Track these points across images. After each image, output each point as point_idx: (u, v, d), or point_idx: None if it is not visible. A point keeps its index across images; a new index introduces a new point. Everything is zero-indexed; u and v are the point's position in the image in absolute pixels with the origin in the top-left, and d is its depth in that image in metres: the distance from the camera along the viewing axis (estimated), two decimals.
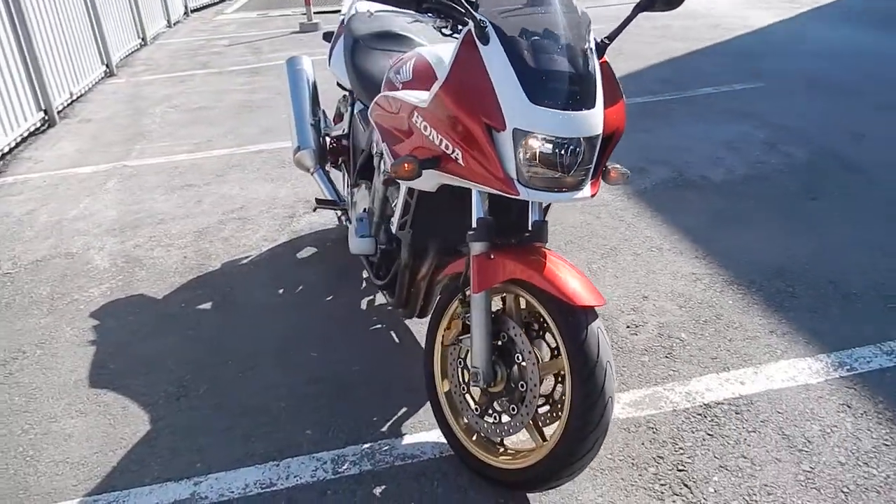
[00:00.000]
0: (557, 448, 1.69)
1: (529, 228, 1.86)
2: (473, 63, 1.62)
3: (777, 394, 2.19)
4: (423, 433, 2.15)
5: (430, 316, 2.07)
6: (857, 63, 6.19)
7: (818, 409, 2.11)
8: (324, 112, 3.09)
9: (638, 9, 1.72)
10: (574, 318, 1.66)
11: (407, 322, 2.74)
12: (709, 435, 2.05)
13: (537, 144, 1.57)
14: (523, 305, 1.87)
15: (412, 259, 2.14)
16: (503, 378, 1.83)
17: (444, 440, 2.07)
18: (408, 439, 2.13)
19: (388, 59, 2.70)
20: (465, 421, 1.99)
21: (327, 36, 3.09)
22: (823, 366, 2.30)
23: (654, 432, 2.08)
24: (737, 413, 2.13)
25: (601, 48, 1.69)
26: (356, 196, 2.58)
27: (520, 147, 1.58)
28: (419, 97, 1.83)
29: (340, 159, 3.11)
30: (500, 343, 1.83)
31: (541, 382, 1.79)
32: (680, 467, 1.94)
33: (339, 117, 3.06)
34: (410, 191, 2.00)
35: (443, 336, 1.97)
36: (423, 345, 2.60)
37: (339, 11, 3.28)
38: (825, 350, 2.38)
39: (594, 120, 1.60)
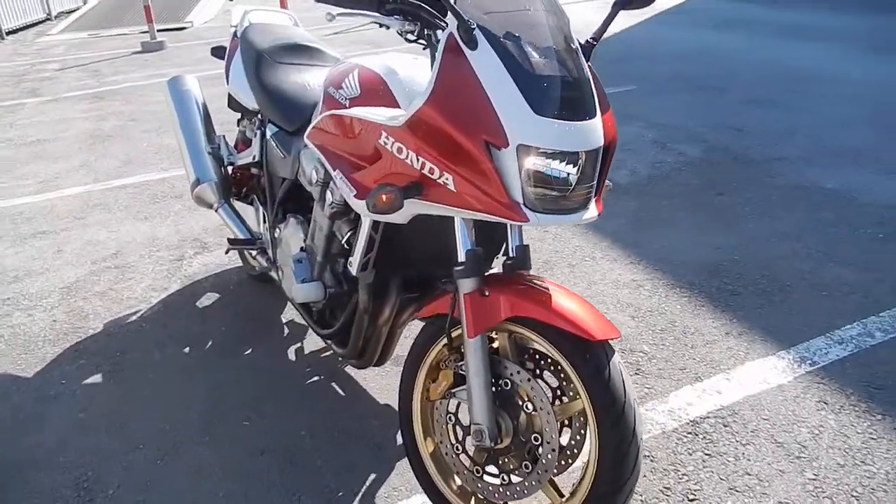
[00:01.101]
0: (588, 499, 1.48)
1: (511, 254, 1.66)
2: (462, 72, 1.37)
3: (756, 399, 2.14)
4: (404, 502, 1.86)
5: (404, 363, 1.79)
6: (715, 62, 6.63)
7: (799, 411, 2.08)
8: (223, 138, 2.68)
9: (617, 6, 1.56)
10: (594, 356, 1.46)
11: (348, 369, 2.42)
12: (706, 455, 1.94)
13: (543, 162, 1.36)
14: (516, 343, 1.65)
15: (372, 302, 1.85)
16: (508, 432, 1.59)
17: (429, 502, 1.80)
18: None
19: (301, 75, 2.38)
20: (459, 483, 1.73)
21: (217, 51, 2.70)
22: (787, 363, 2.29)
23: (651, 460, 1.93)
24: (725, 426, 2.04)
25: (587, 49, 1.52)
26: (282, 233, 2.23)
27: (524, 165, 1.36)
28: (387, 115, 1.55)
29: (246, 190, 2.72)
30: (496, 390, 1.59)
31: (560, 432, 1.58)
32: (691, 496, 1.81)
33: (244, 143, 2.68)
34: (376, 224, 1.71)
35: (427, 390, 1.70)
36: (373, 393, 2.30)
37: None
38: (783, 346, 2.38)
39: (598, 130, 1.42)
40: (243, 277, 3.08)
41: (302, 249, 2.08)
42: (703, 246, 3.11)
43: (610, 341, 1.49)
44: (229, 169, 2.64)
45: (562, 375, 1.61)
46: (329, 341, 2.12)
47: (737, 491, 1.81)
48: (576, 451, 1.62)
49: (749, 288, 2.76)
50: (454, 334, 1.65)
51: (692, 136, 4.57)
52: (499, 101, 1.35)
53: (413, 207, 1.53)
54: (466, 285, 1.54)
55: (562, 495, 1.58)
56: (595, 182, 1.45)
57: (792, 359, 2.31)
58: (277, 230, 2.27)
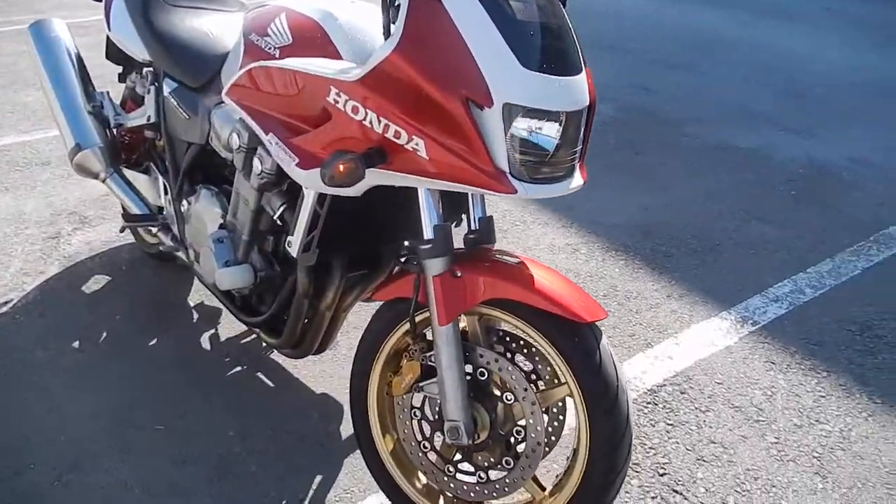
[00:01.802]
0: (577, 497, 1.35)
1: (473, 226, 1.47)
2: (436, 16, 1.15)
3: (707, 363, 2.11)
4: None
5: (355, 353, 1.57)
6: (632, 24, 6.63)
7: (750, 372, 2.07)
8: (106, 95, 2.26)
9: None
10: (582, 340, 1.32)
11: (276, 355, 2.16)
12: (669, 425, 1.88)
13: (532, 124, 1.18)
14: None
15: (314, 285, 1.60)
16: (485, 425, 1.43)
17: None
18: None
19: (200, 20, 2.03)
20: (425, 482, 1.55)
21: None
22: (730, 324, 2.28)
23: None
24: (682, 393, 1.99)
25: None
26: (192, 208, 1.91)
27: (511, 128, 1.17)
28: (336, 67, 1.30)
29: (139, 157, 2.34)
30: (468, 380, 1.42)
31: (545, 422, 1.43)
32: (660, 470, 1.74)
33: (133, 101, 2.28)
34: (321, 198, 1.46)
35: (388, 384, 1.50)
36: (307, 381, 2.06)
37: None
38: (724, 307, 2.37)
39: (584, 87, 1.25)
40: (137, 256, 2.70)
41: (221, 227, 1.78)
42: (631, 207, 3.06)
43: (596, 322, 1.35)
44: (116, 132, 2.25)
45: (537, 358, 1.46)
46: (258, 330, 1.85)
47: (704, 461, 1.76)
48: (553, 438, 1.49)
49: (681, 249, 2.74)
50: (419, 319, 1.45)
51: (604, 95, 4.53)
52: (481, 53, 1.14)
53: (373, 178, 1.30)
54: (435, 266, 1.34)
55: (543, 489, 1.45)
56: (580, 146, 1.29)
57: (734, 319, 2.31)
58: (185, 204, 1.95)
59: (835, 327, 2.25)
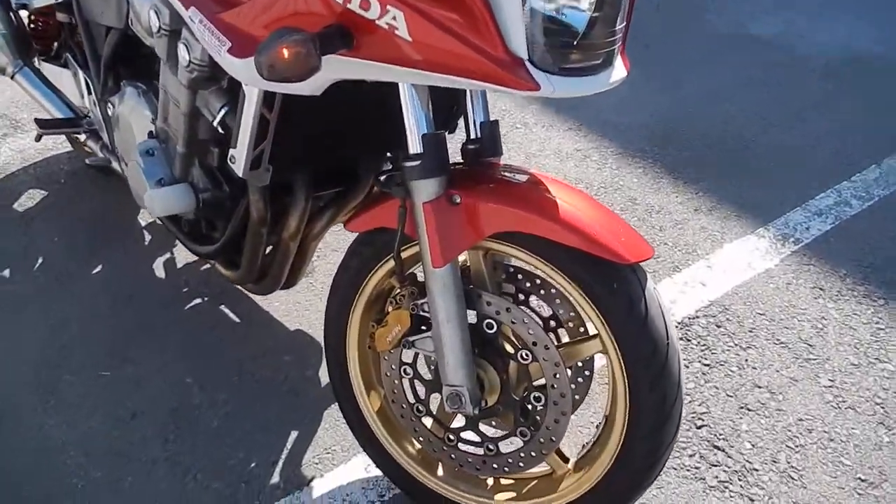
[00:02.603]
0: (611, 476, 1.08)
1: (474, 135, 1.12)
2: None
3: (746, 290, 1.81)
4: (341, 469, 1.39)
5: (329, 293, 1.25)
6: None
7: (795, 301, 1.77)
8: None
9: None
10: (624, 285, 1.00)
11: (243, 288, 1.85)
12: (706, 366, 1.60)
13: None
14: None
15: (271, 210, 1.26)
16: (494, 388, 1.13)
17: (376, 472, 1.35)
18: (321, 485, 1.36)
19: None
20: (418, 447, 1.28)
21: None
22: (769, 243, 1.97)
23: None
24: (718, 326, 1.71)
25: None
26: (117, 109, 1.52)
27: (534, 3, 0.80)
28: None
29: (57, 47, 1.91)
30: (473, 333, 1.11)
31: (583, 383, 1.15)
32: (698, 422, 1.48)
33: None
34: (269, 99, 1.08)
35: (371, 336, 1.18)
36: (277, 316, 1.76)
37: None
38: (760, 223, 2.05)
39: None
40: (78, 167, 2.31)
41: (151, 135, 1.40)
42: (645, 105, 2.67)
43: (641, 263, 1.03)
44: (24, 16, 1.81)
45: (558, 300, 1.15)
46: (213, 261, 1.52)
47: (749, 410, 1.50)
48: (577, 398, 1.20)
49: (708, 154, 2.38)
50: (406, 256, 1.12)
51: None
52: None
53: (334, 70, 0.93)
54: (425, 190, 1.00)
55: (566, 460, 1.18)
56: (622, 24, 0.91)
57: (773, 237, 2.00)
58: (111, 104, 1.55)
59: (889, 245, 1.95)
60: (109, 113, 1.57)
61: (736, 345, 1.66)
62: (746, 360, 1.61)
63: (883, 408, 1.50)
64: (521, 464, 1.13)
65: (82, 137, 1.78)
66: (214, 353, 1.65)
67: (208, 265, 1.91)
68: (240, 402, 1.53)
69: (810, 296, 1.79)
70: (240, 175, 1.14)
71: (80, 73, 1.71)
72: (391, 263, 1.13)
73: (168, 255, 1.96)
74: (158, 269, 1.92)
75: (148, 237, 2.03)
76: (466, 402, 1.08)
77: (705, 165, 2.32)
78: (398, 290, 1.14)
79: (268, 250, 1.39)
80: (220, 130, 1.22)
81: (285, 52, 0.85)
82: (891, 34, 3.17)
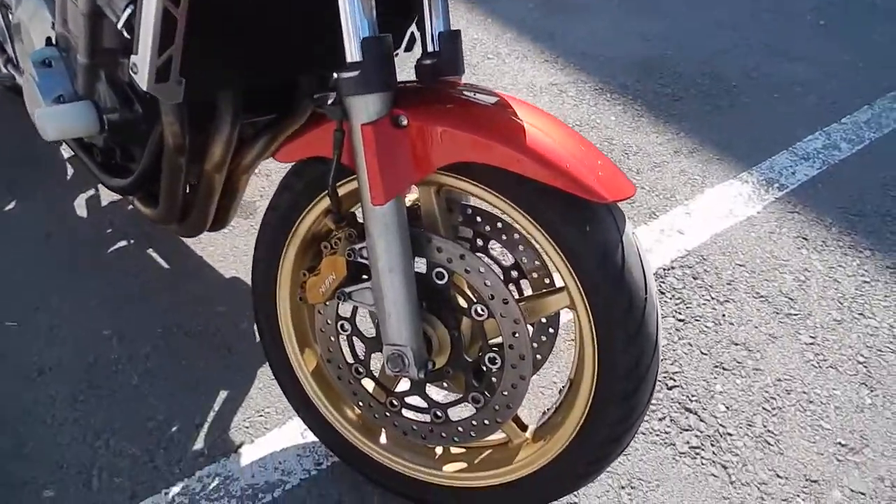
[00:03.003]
0: (575, 447, 0.95)
1: (431, 47, 0.94)
2: None
3: (725, 239, 1.68)
4: (273, 434, 1.24)
5: (257, 234, 1.08)
6: None
7: (777, 251, 1.65)
8: None
9: None
10: (598, 228, 0.84)
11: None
12: (680, 321, 1.48)
13: None
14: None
15: (188, 135, 1.06)
16: (443, 347, 0.98)
17: (313, 438, 1.21)
18: (251, 451, 1.21)
19: None
20: (358, 412, 1.13)
21: None
22: (752, 188, 1.83)
23: None
24: (695, 278, 1.57)
25: None
26: (16, 11, 1.28)
27: None
28: None
29: None
30: (420, 283, 0.95)
31: (546, 342, 1.00)
32: (669, 382, 1.35)
33: None
34: None
35: (303, 285, 1.01)
36: (211, 261, 1.58)
37: None
38: (744, 166, 1.91)
39: None
40: None
41: (50, 42, 1.18)
42: (628, 36, 2.48)
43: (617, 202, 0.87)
44: None
45: (521, 246, 0.99)
46: (130, 197, 1.33)
47: (724, 369, 1.38)
48: (538, 357, 1.06)
49: (691, 91, 2.22)
50: (343, 192, 0.95)
51: None
52: None
53: None
54: (366, 108, 0.82)
55: (524, 428, 1.04)
56: None
57: (757, 182, 1.85)
58: (9, 7, 1.32)
59: (878, 193, 1.82)
60: (11, 17, 1.34)
61: (713, 298, 1.53)
62: (723, 315, 1.49)
63: (866, 367, 1.39)
64: (473, 433, 0.99)
65: None
66: (138, 302, 1.47)
67: (152, 220, 1.71)
68: (163, 358, 1.36)
69: (793, 246, 1.66)
70: (143, 88, 0.94)
71: None
72: (327, 201, 0.96)
73: (91, 192, 1.75)
74: (80, 208, 1.71)
75: (70, 171, 1.82)
76: (411, 365, 0.93)
77: (688, 104, 2.15)
78: (334, 233, 0.97)
79: (189, 186, 1.21)
80: (126, 35, 1.01)
81: None
82: None
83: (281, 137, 1.17)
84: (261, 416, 1.27)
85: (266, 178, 1.81)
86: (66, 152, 1.87)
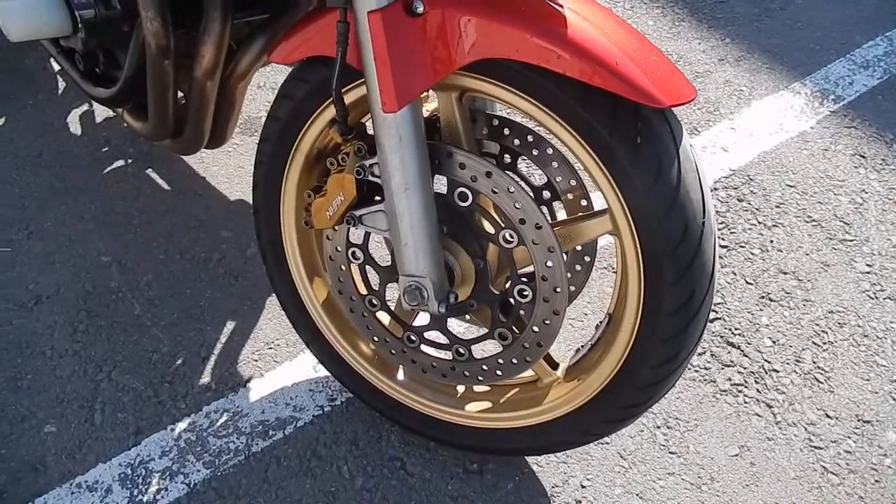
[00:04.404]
0: (612, 390, 0.85)
1: None
2: None
3: (775, 157, 1.52)
4: (284, 368, 1.16)
5: (257, 150, 0.96)
6: None
7: (832, 170, 1.50)
8: None
9: None
10: (653, 139, 0.71)
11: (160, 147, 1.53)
12: (723, 247, 1.35)
13: None
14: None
15: (172, 36, 0.93)
16: (467, 279, 0.87)
17: (326, 372, 1.13)
18: (260, 386, 1.14)
19: None
20: (372, 347, 1.04)
21: None
22: (805, 100, 1.66)
23: None
24: (740, 201, 1.44)
25: None
26: None
27: None
28: None
29: None
30: (439, 206, 0.83)
31: (581, 271, 0.89)
32: (711, 314, 1.25)
33: None
34: None
35: (308, 210, 0.90)
36: (215, 182, 1.47)
37: None
38: (796, 76, 1.73)
39: None
40: None
41: None
42: None
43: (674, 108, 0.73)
44: None
45: (555, 164, 0.87)
46: (118, 110, 1.20)
47: (771, 300, 1.27)
48: (572, 288, 0.95)
49: None
50: (350, 98, 0.82)
51: None
52: None
53: None
54: None
55: (556, 366, 0.94)
56: None
57: (810, 93, 1.68)
58: None
59: None
60: None
61: (760, 223, 1.40)
62: (771, 241, 1.36)
63: None
64: (500, 372, 0.89)
65: None
66: (138, 227, 1.37)
67: (143, 137, 1.59)
68: (166, 285, 1.28)
69: (850, 164, 1.51)
70: None
71: None
72: (332, 110, 0.83)
73: (85, 108, 1.63)
74: (74, 125, 1.59)
75: (62, 85, 1.69)
76: (430, 298, 0.82)
77: (734, 6, 1.94)
78: (342, 148, 0.85)
79: (181, 97, 1.08)
80: None
81: None
82: None
83: (276, 42, 1.03)
84: (270, 348, 1.19)
85: (272, 92, 1.67)
86: (56, 64, 1.73)
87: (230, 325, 1.22)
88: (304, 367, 1.16)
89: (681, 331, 0.78)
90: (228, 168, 1.49)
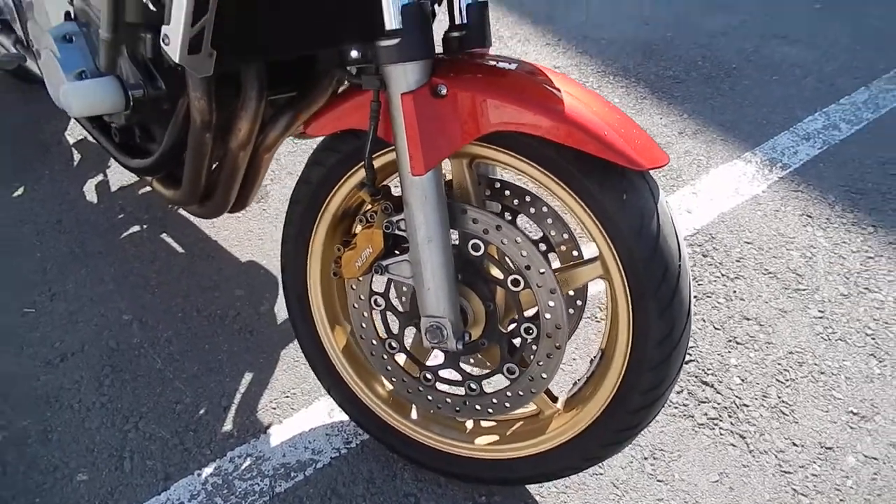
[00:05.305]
0: (608, 415, 0.97)
1: (459, 20, 0.96)
2: None
3: (732, 218, 1.70)
4: (301, 414, 1.25)
5: (286, 212, 1.08)
6: None
7: (783, 228, 1.68)
8: None
9: None
10: (634, 196, 0.86)
11: (184, 211, 1.65)
12: (693, 297, 1.50)
13: None
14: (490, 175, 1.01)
15: (217, 110, 1.07)
16: (478, 319, 1.00)
17: (341, 417, 1.22)
18: (280, 432, 1.22)
19: None
20: (390, 388, 1.14)
21: None
22: (756, 168, 1.86)
23: None
24: (705, 256, 1.60)
25: None
26: None
27: None
28: None
29: None
30: (456, 255, 0.96)
31: (574, 314, 1.02)
32: (685, 357, 1.38)
33: None
34: None
35: (337, 260, 1.02)
36: (227, 245, 1.58)
37: None
38: (747, 146, 1.94)
39: None
40: None
41: (69, 17, 1.17)
42: (628, 20, 2.50)
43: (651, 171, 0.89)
44: None
45: (549, 220, 1.01)
46: (149, 177, 1.33)
47: (738, 343, 1.41)
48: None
49: (692, 73, 2.24)
50: (379, 164, 0.96)
51: None
52: None
53: None
54: (405, 76, 0.84)
55: (555, 399, 1.06)
56: None
57: (760, 162, 1.89)
58: None
59: (878, 172, 1.86)
60: None
61: (723, 275, 1.56)
62: (734, 291, 1.52)
63: (874, 339, 1.43)
64: (508, 404, 1.01)
65: None
66: (156, 287, 1.47)
67: (147, 187, 1.71)
68: (186, 341, 1.37)
69: (799, 223, 1.70)
70: (175, 60, 0.94)
71: None
72: (360, 174, 0.97)
73: (100, 178, 1.74)
74: (90, 193, 1.70)
75: (77, 156, 1.81)
76: (449, 336, 0.94)
77: (690, 85, 2.18)
78: (369, 207, 0.98)
79: (213, 166, 1.21)
80: (151, 8, 1.01)
81: None
82: None
83: (302, 114, 1.18)
84: (287, 397, 1.28)
85: (275, 162, 1.81)
86: (71, 138, 1.86)
87: (248, 377, 1.31)
88: (320, 413, 1.25)
89: (665, 359, 0.91)
90: (238, 232, 1.61)
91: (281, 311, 1.43)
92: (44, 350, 1.34)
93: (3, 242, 1.56)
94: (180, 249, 1.56)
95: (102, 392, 1.27)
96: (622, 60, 2.27)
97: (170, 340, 1.37)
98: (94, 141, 1.33)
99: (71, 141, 1.84)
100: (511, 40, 2.36)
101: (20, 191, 1.70)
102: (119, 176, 1.72)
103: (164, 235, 1.59)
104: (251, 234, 1.61)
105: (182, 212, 1.64)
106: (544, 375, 0.97)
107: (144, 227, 1.61)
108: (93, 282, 1.48)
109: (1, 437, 1.20)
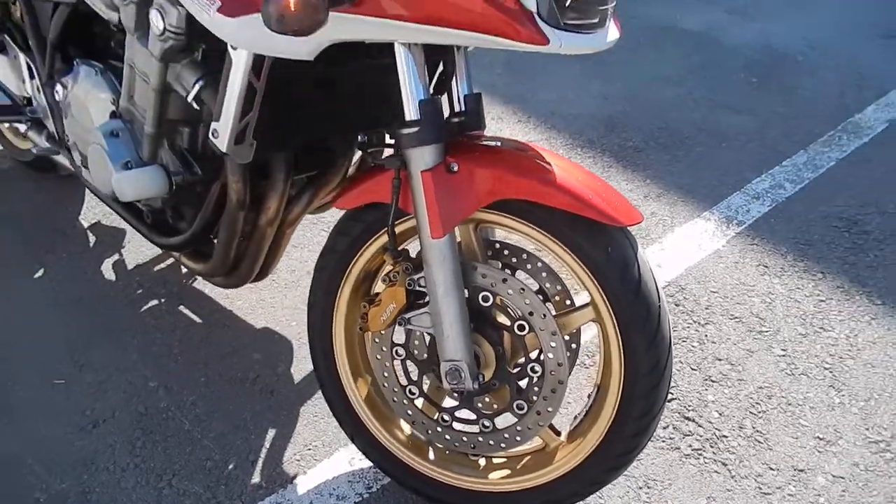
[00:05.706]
0: (607, 442, 1.10)
1: (458, 107, 1.14)
2: None
3: (699, 270, 1.90)
4: (324, 465, 1.36)
5: (312, 278, 1.22)
6: None
7: (744, 278, 1.87)
8: None
9: None
10: (617, 248, 1.03)
11: (200, 283, 1.77)
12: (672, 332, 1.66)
13: None
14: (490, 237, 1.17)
15: (251, 191, 1.22)
16: (489, 362, 1.14)
17: (361, 465, 1.33)
18: (306, 481, 1.32)
19: None
20: (410, 432, 1.27)
21: None
22: (715, 225, 2.07)
23: None
24: (677, 305, 1.78)
25: None
26: (70, 92, 1.43)
27: None
28: None
29: None
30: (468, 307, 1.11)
31: (570, 357, 1.16)
32: (668, 395, 1.53)
33: None
34: (257, 65, 1.05)
35: (363, 316, 1.16)
36: (242, 314, 1.70)
37: None
38: (705, 206, 2.16)
39: None
40: (7, 165, 2.17)
41: (114, 115, 1.33)
42: (590, 97, 2.76)
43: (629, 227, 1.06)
44: None
45: (544, 274, 1.17)
46: (177, 254, 1.46)
47: (713, 381, 1.57)
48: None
49: (650, 143, 2.49)
50: (399, 230, 1.11)
51: None
52: None
53: (335, 28, 0.92)
54: (423, 157, 1.01)
55: (558, 433, 1.19)
56: None
57: (718, 219, 2.10)
58: (59, 88, 1.46)
59: (821, 224, 2.09)
60: (58, 97, 1.48)
61: (695, 321, 1.73)
62: (706, 336, 1.69)
63: (832, 372, 1.60)
64: (518, 438, 1.14)
65: (22, 128, 1.66)
66: (179, 355, 1.58)
67: (162, 265, 1.83)
68: (210, 403, 1.47)
69: (757, 273, 1.90)
70: (223, 150, 1.10)
71: (21, 57, 1.61)
72: (380, 241, 1.12)
73: (116, 257, 1.87)
74: (107, 272, 1.82)
75: (92, 239, 1.93)
76: (466, 377, 1.08)
77: (649, 154, 2.42)
78: (390, 268, 1.13)
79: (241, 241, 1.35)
80: (194, 106, 1.17)
81: (293, 3, 0.83)
82: (811, 34, 3.40)
83: (322, 191, 1.34)
84: (309, 449, 1.39)
85: None
86: (85, 222, 1.98)
87: (272, 433, 1.42)
88: (342, 462, 1.36)
89: (654, 387, 1.06)
90: (251, 301, 1.74)
91: (297, 372, 1.55)
92: (76, 417, 1.43)
93: (28, 321, 1.66)
94: (198, 320, 1.68)
95: (135, 454, 1.36)
96: (587, 133, 2.51)
97: (195, 403, 1.47)
98: (126, 222, 1.47)
99: (85, 224, 1.96)
100: (486, 118, 2.58)
101: (40, 272, 1.81)
102: (135, 254, 1.85)
103: (181, 307, 1.71)
104: (263, 302, 1.73)
105: (196, 284, 1.77)
106: (550, 409, 1.11)
107: (162, 300, 1.73)
108: (118, 353, 1.58)
109: (42, 500, 1.28)
